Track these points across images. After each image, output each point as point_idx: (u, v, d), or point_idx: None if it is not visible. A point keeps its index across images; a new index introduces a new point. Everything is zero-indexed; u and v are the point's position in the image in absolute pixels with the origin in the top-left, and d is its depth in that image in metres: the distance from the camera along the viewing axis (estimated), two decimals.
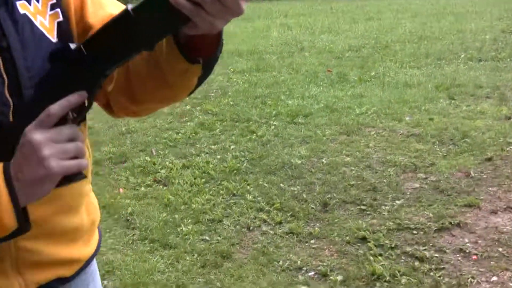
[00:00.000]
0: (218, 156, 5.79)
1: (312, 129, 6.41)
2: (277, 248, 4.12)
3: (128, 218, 4.60)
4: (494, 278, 3.62)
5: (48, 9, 1.31)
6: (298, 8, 19.46)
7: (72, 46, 1.14)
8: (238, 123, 6.75)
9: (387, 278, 3.66)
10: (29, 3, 1.27)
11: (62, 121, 1.14)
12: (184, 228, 4.40)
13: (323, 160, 5.53)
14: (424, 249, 3.97)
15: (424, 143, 5.85)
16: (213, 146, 6.08)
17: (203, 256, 4.03)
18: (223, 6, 1.06)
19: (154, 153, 5.96)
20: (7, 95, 1.20)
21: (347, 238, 4.19)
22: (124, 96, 1.39)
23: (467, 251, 3.92)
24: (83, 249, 1.44)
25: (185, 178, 5.29)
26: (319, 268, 3.84)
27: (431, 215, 4.42)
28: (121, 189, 5.15)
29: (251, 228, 4.41)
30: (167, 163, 5.66)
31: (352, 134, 6.21)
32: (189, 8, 1.05)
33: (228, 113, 7.12)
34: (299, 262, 3.93)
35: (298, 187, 5.02)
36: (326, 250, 4.07)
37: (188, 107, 7.46)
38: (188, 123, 6.84)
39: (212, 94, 8.03)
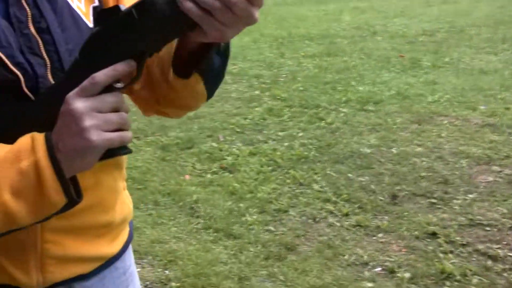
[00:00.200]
0: (286, 144, 5.70)
1: (382, 117, 6.24)
2: (343, 241, 4.02)
3: (192, 206, 4.56)
4: None
5: None
6: None
7: (122, 8, 1.04)
8: (306, 110, 6.63)
9: (458, 277, 3.51)
10: None
11: (107, 89, 1.05)
12: (248, 218, 4.34)
13: (393, 150, 5.38)
14: (498, 247, 3.80)
15: (500, 134, 5.62)
16: (280, 133, 5.98)
17: (267, 247, 3.96)
18: (234, 15, 0.97)
19: (221, 139, 5.91)
20: (50, 79, 1.14)
21: (416, 233, 4.05)
22: (150, 95, 1.32)
23: None
24: (108, 247, 1.38)
25: (251, 166, 5.22)
26: (386, 264, 3.72)
27: (505, 210, 4.23)
28: (187, 176, 5.12)
29: (317, 219, 4.32)
30: (234, 149, 5.60)
31: (423, 123, 6.03)
32: (197, 14, 0.97)
33: (297, 98, 7.01)
34: (365, 257, 3.82)
35: (366, 177, 4.89)
36: (394, 245, 3.95)
37: (256, 92, 7.38)
38: (256, 109, 6.76)
39: (281, 79, 7.92)
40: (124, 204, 1.43)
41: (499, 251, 3.75)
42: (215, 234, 4.17)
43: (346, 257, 3.83)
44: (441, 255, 3.75)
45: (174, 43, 1.17)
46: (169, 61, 1.20)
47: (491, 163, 5.02)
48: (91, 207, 1.28)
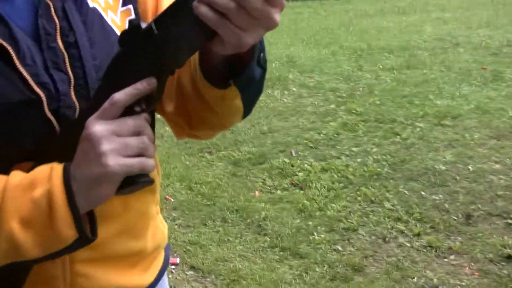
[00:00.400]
0: (359, 159, 5.59)
1: (459, 132, 6.05)
2: (413, 263, 3.90)
3: (260, 223, 4.52)
4: None
5: (120, 4, 1.20)
6: (456, 1, 18.72)
7: (143, 25, 1.01)
8: (382, 124, 6.50)
9: None
10: None
11: (128, 112, 1.01)
12: (316, 237, 4.26)
13: (469, 167, 5.20)
14: None
15: None
16: (354, 148, 5.88)
17: (334, 268, 3.88)
18: (251, 17, 0.91)
19: (294, 155, 5.85)
20: (73, 97, 1.09)
21: (490, 255, 3.89)
22: (181, 118, 1.26)
23: None
24: (142, 276, 1.31)
25: (322, 182, 5.14)
26: None
27: None
28: (257, 192, 5.08)
29: (386, 239, 4.20)
30: (305, 165, 5.53)
31: (503, 138, 5.81)
32: (212, 17, 0.91)
33: (373, 113, 6.88)
34: (435, 280, 3.69)
35: (440, 195, 4.74)
36: (466, 268, 3.80)
37: (332, 106, 7.29)
38: (331, 123, 6.67)
39: (358, 93, 7.79)
40: (157, 229, 1.37)
41: None
42: (281, 253, 4.11)
43: (415, 279, 3.71)
44: None
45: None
46: (200, 72, 1.13)
47: None
48: (120, 234, 1.23)
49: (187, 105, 1.23)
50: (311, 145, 6.07)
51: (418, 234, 4.21)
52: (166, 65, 1.02)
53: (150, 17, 1.22)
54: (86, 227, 1.03)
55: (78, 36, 1.11)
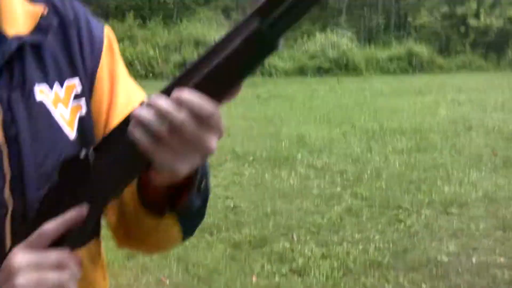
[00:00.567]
0: (360, 247, 5.49)
1: (465, 221, 5.95)
2: None
3: None
4: None
5: (72, 98, 1.12)
6: (473, 82, 18.83)
7: (83, 153, 0.96)
8: (387, 210, 6.41)
9: None
10: (51, 87, 1.10)
11: (58, 242, 0.95)
12: None
13: (473, 259, 5.08)
14: None
15: None
16: (356, 235, 5.78)
17: None
18: (185, 143, 0.87)
19: (295, 239, 5.76)
20: (6, 196, 1.02)
21: None
22: (122, 231, 1.20)
23: None
24: None
25: (321, 269, 5.03)
26: None
27: None
28: (254, 277, 4.98)
29: None
30: (306, 250, 5.44)
31: (508, 230, 5.69)
32: (147, 143, 0.87)
33: (379, 198, 6.80)
34: None
35: None
36: None
37: (338, 189, 7.23)
38: (335, 207, 6.59)
39: (366, 176, 7.74)
40: None
41: None
42: None
43: None
44: None
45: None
46: (137, 198, 1.08)
47: None
48: None
49: (127, 223, 1.18)
50: (314, 229, 5.98)
51: None
52: (103, 194, 0.98)
53: (103, 118, 1.18)
54: None
55: (21, 129, 1.04)
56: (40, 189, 1.01)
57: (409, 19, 39.36)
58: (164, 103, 0.87)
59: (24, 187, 1.04)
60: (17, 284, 0.92)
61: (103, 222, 1.16)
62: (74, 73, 1.14)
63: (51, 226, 0.95)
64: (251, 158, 8.70)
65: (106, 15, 31.63)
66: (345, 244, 5.59)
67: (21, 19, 1.10)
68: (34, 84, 1.08)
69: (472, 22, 34.14)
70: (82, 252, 1.03)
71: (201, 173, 1.03)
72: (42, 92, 1.10)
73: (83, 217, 0.97)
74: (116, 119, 1.13)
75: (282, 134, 10.21)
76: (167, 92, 0.89)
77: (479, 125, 10.92)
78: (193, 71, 0.89)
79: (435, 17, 36.11)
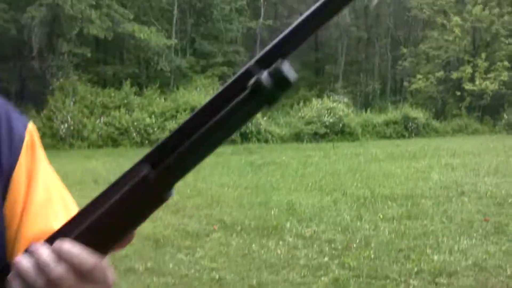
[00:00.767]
0: None
1: None
2: None
3: None
4: None
5: None
6: (468, 145, 18.85)
7: None
8: (374, 280, 6.26)
9: None
10: None
11: None
12: None
13: None
14: None
15: None
16: None
17: None
18: None
19: None
20: None
21: None
22: None
23: None
24: None
25: None
26: None
27: None
28: None
29: None
30: None
31: None
32: None
33: (366, 268, 6.66)
34: None
35: None
36: None
37: (326, 259, 7.08)
38: (322, 278, 6.44)
39: (354, 245, 7.60)
40: None
41: None
42: None
43: None
44: None
45: None
46: None
47: None
48: None
49: None
50: None
51: None
52: None
53: (17, 221, 1.11)
54: None
55: None
56: None
57: (405, 84, 39.74)
58: (44, 253, 0.83)
59: None
60: None
61: None
62: None
63: None
64: (239, 227, 8.58)
65: (103, 83, 32.02)
66: None
67: None
68: None
69: (468, 86, 34.43)
70: None
71: None
72: None
73: None
74: (31, 220, 1.10)
75: (272, 202, 10.12)
76: (53, 239, 0.85)
77: (472, 190, 10.83)
78: (80, 218, 0.84)
79: (431, 82, 36.44)
